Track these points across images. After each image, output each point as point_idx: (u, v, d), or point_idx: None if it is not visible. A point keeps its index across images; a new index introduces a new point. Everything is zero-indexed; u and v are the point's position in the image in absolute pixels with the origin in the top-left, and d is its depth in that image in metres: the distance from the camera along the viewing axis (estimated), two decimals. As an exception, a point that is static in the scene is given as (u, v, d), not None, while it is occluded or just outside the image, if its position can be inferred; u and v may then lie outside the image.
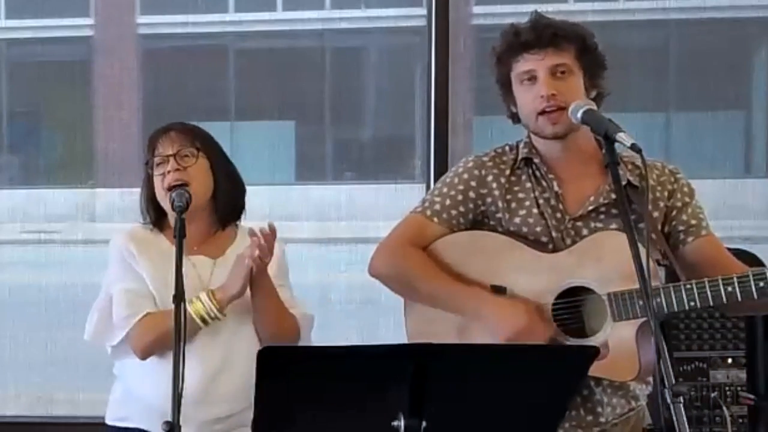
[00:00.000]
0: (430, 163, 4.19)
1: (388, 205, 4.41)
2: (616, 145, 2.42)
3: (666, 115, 4.68)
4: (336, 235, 4.46)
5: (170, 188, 2.84)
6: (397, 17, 4.71)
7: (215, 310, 2.79)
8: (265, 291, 2.84)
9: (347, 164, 4.88)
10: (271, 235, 2.78)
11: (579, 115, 2.54)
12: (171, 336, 2.69)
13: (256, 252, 2.75)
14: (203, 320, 2.80)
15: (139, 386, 2.88)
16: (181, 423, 2.52)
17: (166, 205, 2.88)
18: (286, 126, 4.81)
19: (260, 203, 4.59)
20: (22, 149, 4.83)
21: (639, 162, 2.66)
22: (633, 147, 2.35)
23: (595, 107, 2.57)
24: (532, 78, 2.65)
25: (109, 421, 3.00)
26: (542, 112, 2.64)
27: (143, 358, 2.84)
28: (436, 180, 4.07)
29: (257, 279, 2.81)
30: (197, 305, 2.78)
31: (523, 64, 2.66)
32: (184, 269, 2.78)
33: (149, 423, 2.80)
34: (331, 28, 4.63)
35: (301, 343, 2.94)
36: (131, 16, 4.81)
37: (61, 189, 4.61)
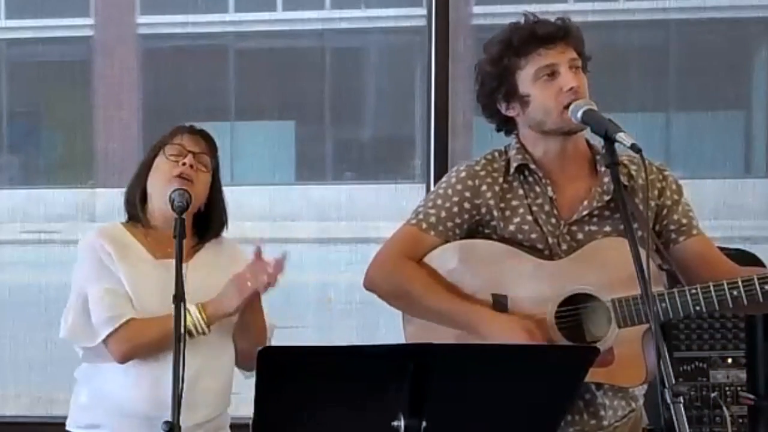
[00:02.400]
0: (430, 163, 4.19)
1: (388, 205, 4.41)
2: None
3: (666, 115, 4.68)
4: (336, 235, 4.46)
5: (177, 176, 2.79)
6: (397, 17, 4.71)
7: (203, 325, 2.72)
8: (255, 308, 2.82)
9: (347, 164, 4.88)
10: (281, 264, 2.73)
11: (579, 114, 2.53)
12: (154, 345, 2.71)
13: (265, 279, 2.71)
14: (189, 333, 2.70)
15: (115, 391, 2.78)
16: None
17: (158, 191, 2.82)
18: (286, 126, 4.81)
19: (260, 203, 4.61)
20: (22, 149, 4.83)
21: (626, 159, 2.66)
22: (633, 147, 2.34)
23: (594, 107, 2.56)
24: (553, 73, 2.61)
25: (74, 429, 2.88)
26: (568, 106, 2.59)
27: (122, 362, 2.75)
28: (436, 180, 4.09)
29: (253, 300, 2.78)
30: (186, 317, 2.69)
31: (543, 59, 2.61)
32: (157, 273, 2.78)
33: (125, 428, 2.76)
34: (331, 28, 4.63)
35: None
36: (131, 16, 4.82)
37: (61, 189, 4.61)
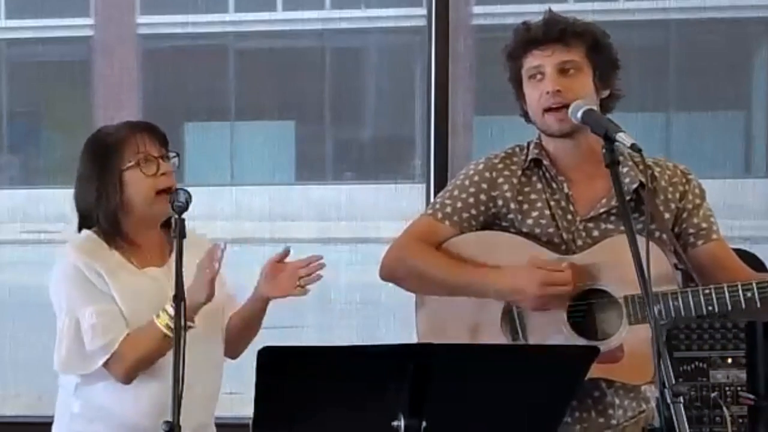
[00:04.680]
0: (430, 163, 4.19)
1: (388, 205, 4.41)
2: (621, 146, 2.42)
3: (666, 115, 4.68)
4: (336, 235, 4.46)
5: (162, 192, 2.71)
6: (397, 17, 4.71)
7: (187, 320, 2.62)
8: (264, 312, 2.82)
9: (347, 164, 4.88)
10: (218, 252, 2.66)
11: (578, 115, 2.53)
12: (154, 355, 2.66)
13: (216, 266, 2.63)
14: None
15: (113, 405, 2.74)
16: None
17: (147, 207, 2.75)
18: (286, 126, 4.81)
19: (260, 203, 4.61)
20: (22, 149, 4.83)
21: (650, 161, 2.66)
22: (633, 147, 2.34)
23: (594, 107, 2.56)
24: (540, 74, 2.63)
25: None
26: (548, 109, 2.63)
27: (127, 382, 2.69)
28: (436, 180, 4.10)
29: (265, 303, 2.78)
30: (164, 318, 2.65)
31: (532, 60, 2.64)
32: (143, 283, 2.73)
33: None
34: (331, 28, 4.63)
35: None
36: (131, 16, 4.82)
37: (61, 189, 4.60)
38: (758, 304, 2.51)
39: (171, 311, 2.65)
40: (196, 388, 2.73)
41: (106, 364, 2.69)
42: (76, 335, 2.70)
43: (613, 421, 2.68)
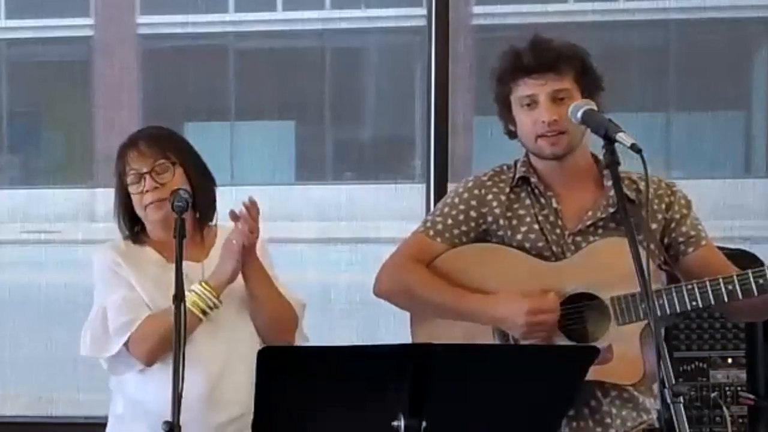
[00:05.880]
0: (430, 163, 4.19)
1: (388, 205, 4.41)
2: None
3: (666, 115, 4.68)
4: (336, 235, 4.46)
5: (149, 206, 2.82)
6: (397, 17, 4.71)
7: (213, 299, 2.73)
8: (259, 275, 2.81)
9: (347, 164, 4.88)
10: (253, 208, 2.73)
11: (579, 114, 2.55)
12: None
13: (246, 227, 2.70)
14: (203, 312, 2.73)
15: (145, 397, 2.79)
16: (195, 428, 2.48)
17: (146, 220, 2.87)
18: (286, 126, 4.81)
19: (260, 203, 4.61)
20: (22, 149, 4.83)
21: (635, 176, 2.70)
22: (633, 147, 2.36)
23: (594, 107, 2.57)
24: (533, 102, 2.67)
25: None
26: (542, 135, 2.67)
27: (149, 363, 2.76)
28: (436, 180, 4.10)
29: (248, 263, 2.76)
30: (193, 298, 2.71)
31: (524, 89, 2.68)
32: (167, 276, 2.70)
33: None
34: (331, 28, 4.63)
35: (296, 332, 2.92)
36: (131, 16, 4.82)
37: (61, 189, 4.61)
38: (740, 296, 2.55)
39: (199, 290, 2.74)
40: (232, 376, 2.78)
41: (128, 344, 2.76)
42: (102, 321, 2.81)
43: (612, 430, 2.70)
